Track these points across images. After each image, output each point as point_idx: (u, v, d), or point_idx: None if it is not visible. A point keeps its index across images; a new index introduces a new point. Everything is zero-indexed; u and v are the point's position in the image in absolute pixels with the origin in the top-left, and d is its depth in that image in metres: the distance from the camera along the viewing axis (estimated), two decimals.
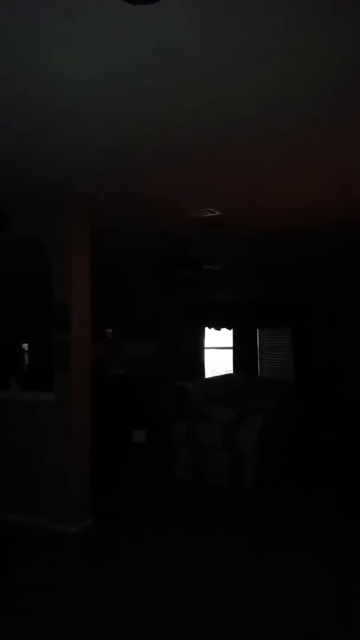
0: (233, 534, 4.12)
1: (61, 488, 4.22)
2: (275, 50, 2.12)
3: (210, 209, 4.68)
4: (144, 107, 2.66)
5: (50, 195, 4.18)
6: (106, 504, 4.66)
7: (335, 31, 2.00)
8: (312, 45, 2.10)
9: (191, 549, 3.85)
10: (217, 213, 4.77)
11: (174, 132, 3.00)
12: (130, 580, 3.36)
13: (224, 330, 8.87)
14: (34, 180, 3.84)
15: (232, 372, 8.64)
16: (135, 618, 2.92)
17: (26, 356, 9.28)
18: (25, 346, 9.30)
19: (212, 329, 8.98)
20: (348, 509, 4.65)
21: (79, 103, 2.59)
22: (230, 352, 8.83)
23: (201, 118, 2.80)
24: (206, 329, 9.02)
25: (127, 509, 4.65)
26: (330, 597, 3.12)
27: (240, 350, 8.65)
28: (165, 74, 2.33)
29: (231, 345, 8.81)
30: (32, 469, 4.38)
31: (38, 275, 5.68)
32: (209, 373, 9.12)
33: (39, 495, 4.32)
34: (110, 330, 8.57)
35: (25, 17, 1.89)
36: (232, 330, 8.76)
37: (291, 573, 3.44)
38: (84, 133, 2.98)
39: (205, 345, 9.09)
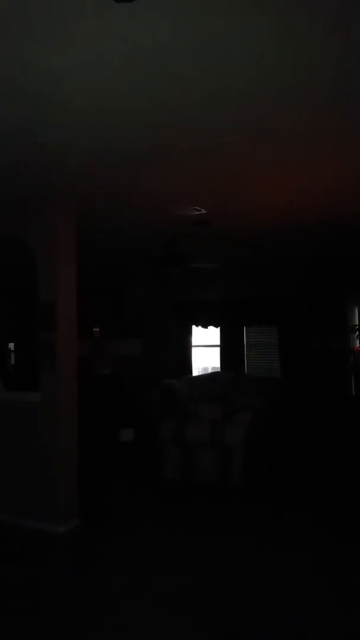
0: (222, 532, 4.14)
1: (48, 488, 4.20)
2: (270, 48, 2.12)
3: (196, 207, 4.68)
4: (131, 106, 2.66)
5: (36, 193, 4.15)
6: (94, 503, 4.65)
7: (334, 28, 2.00)
8: (308, 43, 2.09)
9: (180, 547, 3.86)
10: (203, 211, 4.78)
11: (161, 131, 2.99)
12: (119, 580, 3.35)
13: (211, 328, 8.90)
14: (19, 177, 3.81)
15: (219, 369, 8.67)
16: (125, 617, 2.92)
17: (12, 355, 9.22)
18: (11, 345, 9.24)
19: (199, 327, 9.00)
20: (335, 504, 4.70)
21: (66, 101, 2.58)
22: (218, 349, 8.86)
23: (189, 118, 2.80)
24: (193, 327, 9.04)
25: (115, 508, 4.65)
26: (323, 593, 3.15)
27: (227, 348, 8.68)
28: (156, 72, 2.33)
29: (218, 343, 8.84)
30: (18, 469, 4.35)
31: (24, 273, 5.64)
32: (196, 371, 9.14)
33: (26, 495, 4.29)
34: (98, 329, 8.55)
35: (12, 12, 1.87)
36: (219, 328, 8.79)
37: (281, 569, 3.46)
38: (70, 131, 2.96)
39: (193, 343, 9.11)
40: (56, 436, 4.20)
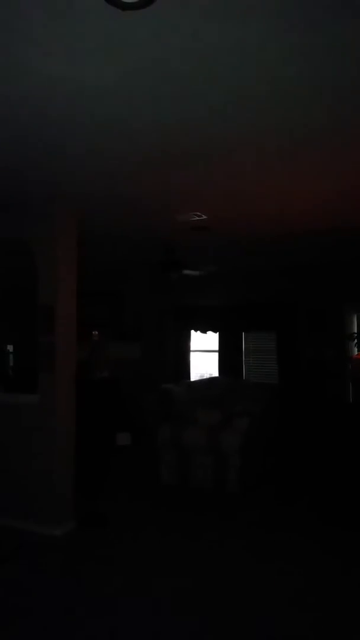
0: (217, 537, 4.14)
1: (45, 490, 4.20)
2: (272, 51, 2.13)
3: (197, 213, 4.71)
4: (134, 112, 2.69)
5: (37, 197, 4.17)
6: (90, 506, 4.64)
7: (339, 35, 2.01)
8: (309, 45, 2.10)
9: (175, 551, 3.86)
10: (203, 217, 4.81)
11: (162, 137, 3.02)
12: (114, 583, 3.36)
13: (209, 333, 8.91)
14: (21, 181, 3.83)
15: (217, 375, 8.67)
16: (119, 620, 2.92)
17: (11, 357, 9.22)
18: (10, 347, 9.24)
19: (198, 332, 9.01)
20: (329, 512, 4.70)
21: (67, 105, 2.61)
22: (216, 355, 8.87)
23: (191, 123, 2.83)
24: (192, 332, 9.05)
25: (111, 511, 4.64)
26: (314, 599, 3.16)
27: (226, 353, 8.69)
28: (160, 79, 2.35)
29: (216, 348, 8.85)
30: (15, 471, 4.35)
31: (23, 274, 5.65)
32: (194, 376, 9.14)
33: (22, 497, 4.29)
34: (96, 332, 8.56)
35: (16, 17, 1.90)
36: (217, 333, 8.80)
37: (275, 576, 3.47)
38: (71, 135, 2.99)
39: (191, 348, 9.11)
40: (53, 438, 4.21)
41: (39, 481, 4.22)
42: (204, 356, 9.25)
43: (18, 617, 2.98)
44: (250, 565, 3.62)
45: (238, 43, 2.07)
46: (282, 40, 2.05)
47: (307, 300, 7.91)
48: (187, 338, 9.05)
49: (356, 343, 7.34)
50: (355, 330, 7.66)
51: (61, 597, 3.21)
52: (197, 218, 4.84)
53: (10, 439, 4.39)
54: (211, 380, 8.03)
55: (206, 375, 9.28)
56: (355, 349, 7.37)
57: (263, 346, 8.46)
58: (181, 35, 2.01)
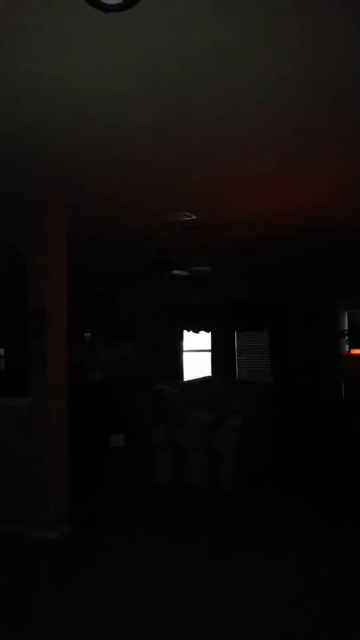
0: (213, 536, 4.14)
1: (38, 494, 4.18)
2: (270, 56, 2.13)
3: (187, 213, 4.70)
4: (123, 114, 2.68)
5: (27, 198, 4.15)
6: (85, 509, 4.62)
7: (337, 34, 2.01)
8: (311, 50, 2.10)
9: (171, 552, 3.85)
10: (193, 217, 4.81)
11: (151, 137, 3.01)
12: (110, 586, 3.34)
13: (202, 333, 8.91)
14: (9, 182, 3.81)
15: (210, 374, 8.67)
16: (116, 623, 2.91)
17: (2, 361, 9.17)
18: (1, 351, 9.19)
19: (191, 331, 9.00)
20: (323, 510, 4.71)
21: (57, 107, 2.59)
22: (209, 354, 8.87)
23: (181, 122, 2.82)
24: (185, 331, 9.05)
25: (106, 513, 4.63)
26: (311, 598, 3.16)
27: (219, 352, 8.69)
28: (151, 80, 2.34)
29: (209, 347, 8.85)
30: (7, 475, 4.32)
31: (13, 275, 5.62)
32: (187, 376, 9.14)
33: (15, 501, 4.27)
34: (89, 334, 8.54)
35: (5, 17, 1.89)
36: (210, 332, 8.80)
37: (272, 574, 3.47)
38: (61, 136, 2.98)
39: (184, 348, 9.11)
40: (46, 442, 4.18)
41: (32, 485, 4.20)
42: (196, 356, 9.24)
43: (15, 620, 2.96)
44: (248, 564, 3.62)
45: (232, 43, 2.06)
46: (278, 40, 2.04)
47: (300, 297, 7.93)
48: (180, 338, 9.04)
49: (347, 340, 7.38)
50: (347, 327, 7.70)
51: (57, 601, 3.19)
52: (187, 218, 4.84)
53: (2, 443, 4.36)
54: (204, 379, 8.03)
55: (199, 375, 9.28)
56: (347, 346, 7.40)
57: (256, 344, 8.46)
58: (174, 35, 2.00)
